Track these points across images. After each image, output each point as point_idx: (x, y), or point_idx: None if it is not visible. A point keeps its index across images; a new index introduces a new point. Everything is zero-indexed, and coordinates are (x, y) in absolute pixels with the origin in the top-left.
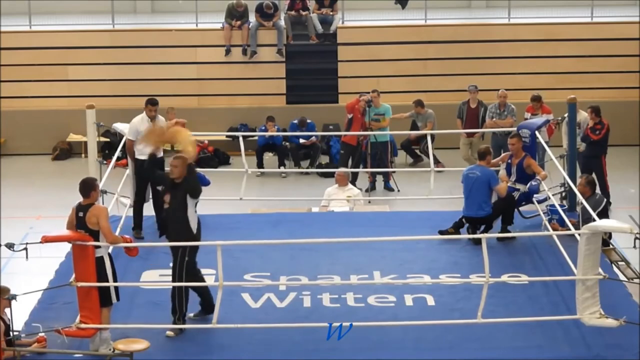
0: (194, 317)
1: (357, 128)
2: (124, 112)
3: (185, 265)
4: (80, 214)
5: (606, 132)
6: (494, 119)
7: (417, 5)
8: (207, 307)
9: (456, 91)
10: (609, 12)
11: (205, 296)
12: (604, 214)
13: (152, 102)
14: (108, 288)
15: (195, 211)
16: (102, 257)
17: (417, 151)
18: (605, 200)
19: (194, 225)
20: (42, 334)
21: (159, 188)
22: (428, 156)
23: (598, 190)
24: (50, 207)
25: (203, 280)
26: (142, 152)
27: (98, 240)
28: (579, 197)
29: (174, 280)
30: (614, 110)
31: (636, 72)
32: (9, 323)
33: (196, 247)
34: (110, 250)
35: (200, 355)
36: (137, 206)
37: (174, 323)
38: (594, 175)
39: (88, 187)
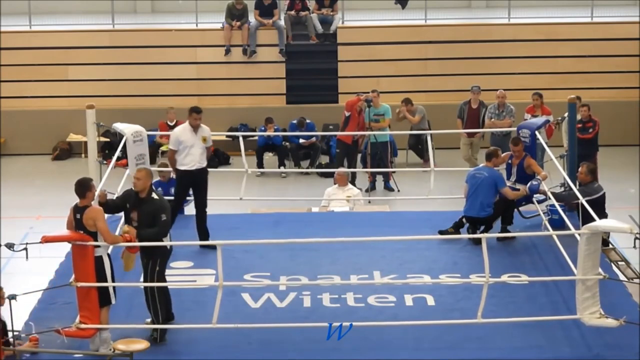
0: (150, 322)
1: (354, 126)
2: (124, 112)
3: (156, 275)
4: (78, 216)
5: (598, 130)
6: (492, 119)
7: (417, 5)
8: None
9: (456, 91)
10: (609, 12)
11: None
12: (599, 205)
13: (196, 110)
14: (107, 288)
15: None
16: (100, 257)
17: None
18: (603, 192)
19: (165, 240)
20: (35, 335)
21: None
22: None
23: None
24: (50, 207)
25: (167, 291)
26: (182, 162)
27: (97, 240)
28: (565, 177)
29: (146, 291)
30: (614, 110)
31: (636, 72)
32: (5, 322)
33: (167, 258)
34: (109, 251)
35: (200, 355)
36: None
37: (152, 333)
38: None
39: (84, 188)
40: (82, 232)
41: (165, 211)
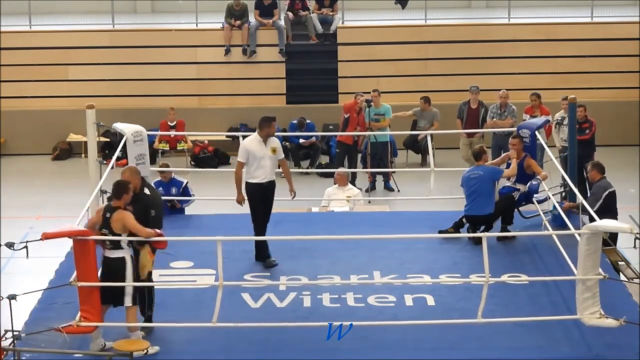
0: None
1: (353, 127)
2: (124, 112)
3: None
4: (108, 215)
5: (595, 130)
6: (494, 119)
7: (417, 5)
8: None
9: (456, 91)
10: (609, 12)
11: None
12: (611, 199)
13: (274, 119)
14: (135, 288)
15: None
16: (123, 258)
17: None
18: (613, 188)
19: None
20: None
21: None
22: (425, 155)
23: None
24: (50, 207)
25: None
26: (253, 175)
27: (121, 242)
28: (579, 197)
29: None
30: (614, 110)
31: (636, 72)
32: None
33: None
34: (132, 253)
35: (200, 355)
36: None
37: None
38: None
39: (121, 190)
40: (107, 231)
41: (155, 207)
